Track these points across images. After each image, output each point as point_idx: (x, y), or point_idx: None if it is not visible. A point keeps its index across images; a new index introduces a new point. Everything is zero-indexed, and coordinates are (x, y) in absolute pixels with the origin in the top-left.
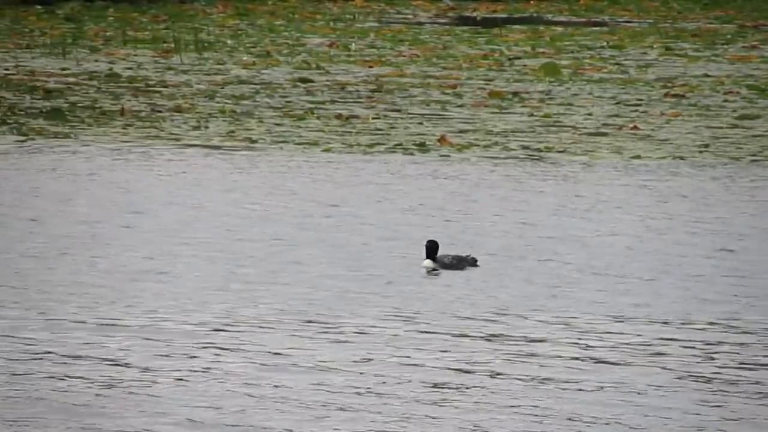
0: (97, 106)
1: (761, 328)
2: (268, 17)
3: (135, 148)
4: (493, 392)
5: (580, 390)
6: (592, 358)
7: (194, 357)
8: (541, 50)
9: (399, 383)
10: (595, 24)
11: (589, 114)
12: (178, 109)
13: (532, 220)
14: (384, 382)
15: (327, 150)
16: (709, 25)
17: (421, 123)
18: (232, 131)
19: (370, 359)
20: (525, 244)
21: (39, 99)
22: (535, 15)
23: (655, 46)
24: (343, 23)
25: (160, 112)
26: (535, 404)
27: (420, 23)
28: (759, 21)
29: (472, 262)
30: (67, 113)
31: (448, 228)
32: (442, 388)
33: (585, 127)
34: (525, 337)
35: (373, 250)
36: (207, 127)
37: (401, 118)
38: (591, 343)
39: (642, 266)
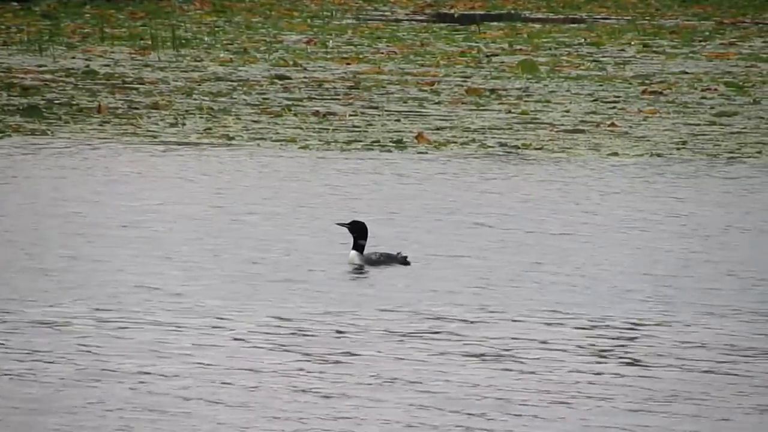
0: (74, 103)
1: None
2: (245, 14)
3: (111, 145)
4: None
5: (506, 390)
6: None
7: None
8: (519, 47)
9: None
10: (573, 21)
11: (567, 111)
12: (156, 106)
13: (490, 217)
14: (323, 380)
15: (304, 147)
16: (687, 22)
17: (398, 120)
18: (209, 128)
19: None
20: (474, 241)
21: (15, 96)
22: (512, 12)
23: (632, 43)
24: (321, 20)
25: (137, 109)
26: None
27: (397, 20)
28: (737, 18)
29: (402, 260)
30: (43, 110)
31: (395, 227)
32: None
33: (562, 124)
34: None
35: (301, 247)
36: (184, 124)
37: (378, 115)
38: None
39: (593, 262)
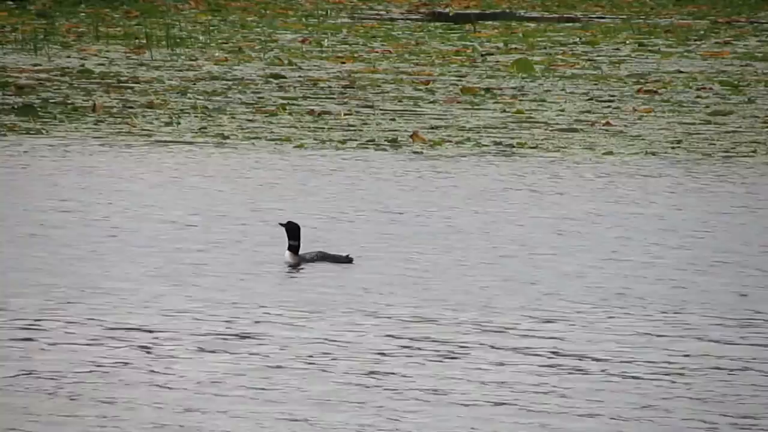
0: (69, 102)
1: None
2: (240, 13)
3: (105, 144)
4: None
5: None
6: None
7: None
8: (514, 46)
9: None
10: (568, 20)
11: (562, 110)
12: (150, 105)
13: (468, 216)
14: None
15: (299, 146)
16: (682, 21)
17: (393, 119)
18: (204, 127)
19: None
20: (446, 240)
21: (10, 95)
22: (507, 11)
23: (627, 42)
24: (316, 19)
25: (132, 108)
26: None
27: (392, 19)
28: (732, 17)
29: (345, 260)
30: (38, 109)
31: (372, 224)
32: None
33: (557, 123)
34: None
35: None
36: (179, 123)
37: (373, 114)
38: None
39: (570, 262)
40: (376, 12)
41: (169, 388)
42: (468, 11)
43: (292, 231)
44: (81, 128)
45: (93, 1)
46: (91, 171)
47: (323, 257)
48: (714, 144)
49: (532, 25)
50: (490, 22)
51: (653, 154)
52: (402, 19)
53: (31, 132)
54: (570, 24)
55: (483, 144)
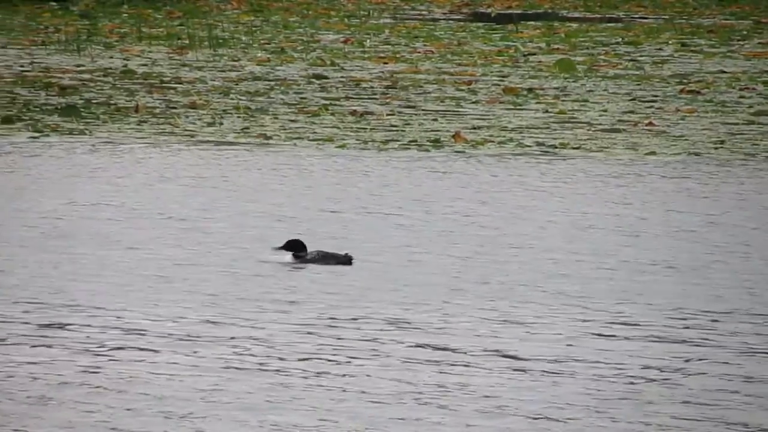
0: (111, 102)
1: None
2: (282, 14)
3: (147, 144)
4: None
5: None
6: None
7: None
8: (556, 46)
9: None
10: (610, 20)
11: (604, 110)
12: (193, 106)
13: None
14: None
15: (341, 146)
16: (725, 21)
17: (435, 119)
18: (247, 128)
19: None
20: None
21: (54, 96)
22: (549, 11)
23: (670, 42)
24: (358, 20)
25: (174, 108)
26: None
27: (435, 19)
28: None
29: (344, 260)
30: (81, 110)
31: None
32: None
33: (600, 124)
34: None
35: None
36: (221, 124)
37: (416, 115)
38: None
39: (626, 259)
40: (418, 12)
41: (174, 392)
42: (510, 11)
43: (295, 247)
44: (124, 129)
45: (136, 2)
46: (135, 171)
47: (324, 256)
48: (757, 144)
49: (575, 25)
50: (532, 23)
51: (696, 154)
52: (444, 19)
53: (75, 132)
54: (612, 24)
55: (525, 144)
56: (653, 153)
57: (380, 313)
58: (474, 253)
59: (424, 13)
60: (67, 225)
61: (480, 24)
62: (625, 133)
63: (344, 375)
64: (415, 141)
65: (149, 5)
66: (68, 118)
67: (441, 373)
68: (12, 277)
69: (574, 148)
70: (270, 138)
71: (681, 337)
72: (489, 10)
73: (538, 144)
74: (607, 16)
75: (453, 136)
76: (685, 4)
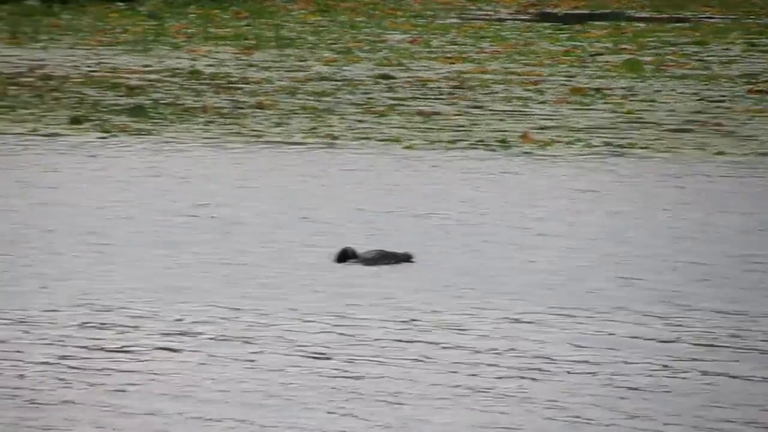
0: (179, 103)
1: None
2: (349, 14)
3: (216, 144)
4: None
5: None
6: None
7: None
8: (623, 46)
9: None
10: (678, 20)
11: (672, 110)
12: (260, 106)
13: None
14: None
15: (408, 147)
16: None
17: (502, 120)
18: (314, 128)
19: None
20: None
21: (121, 96)
22: (617, 11)
23: (738, 42)
24: (424, 20)
25: (242, 109)
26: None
27: (501, 19)
28: None
29: (404, 258)
30: (149, 110)
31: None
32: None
33: (668, 124)
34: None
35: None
36: (289, 124)
37: (483, 115)
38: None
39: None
40: (484, 12)
41: (187, 387)
42: (577, 11)
43: (347, 256)
44: (192, 129)
45: (203, 2)
46: (212, 174)
47: (384, 255)
48: None
49: (642, 25)
50: (599, 23)
51: (765, 155)
52: (510, 19)
53: (143, 133)
54: (679, 24)
55: (593, 144)
56: (722, 153)
57: (438, 314)
58: (542, 257)
59: (490, 13)
60: (133, 225)
61: (547, 24)
62: (693, 133)
63: (399, 378)
64: (482, 141)
65: (216, 6)
66: (136, 119)
67: (498, 377)
68: (71, 277)
69: (641, 148)
70: (337, 138)
71: (726, 342)
72: (556, 10)
73: (606, 144)
74: (674, 16)
75: (521, 137)
76: (752, 4)
